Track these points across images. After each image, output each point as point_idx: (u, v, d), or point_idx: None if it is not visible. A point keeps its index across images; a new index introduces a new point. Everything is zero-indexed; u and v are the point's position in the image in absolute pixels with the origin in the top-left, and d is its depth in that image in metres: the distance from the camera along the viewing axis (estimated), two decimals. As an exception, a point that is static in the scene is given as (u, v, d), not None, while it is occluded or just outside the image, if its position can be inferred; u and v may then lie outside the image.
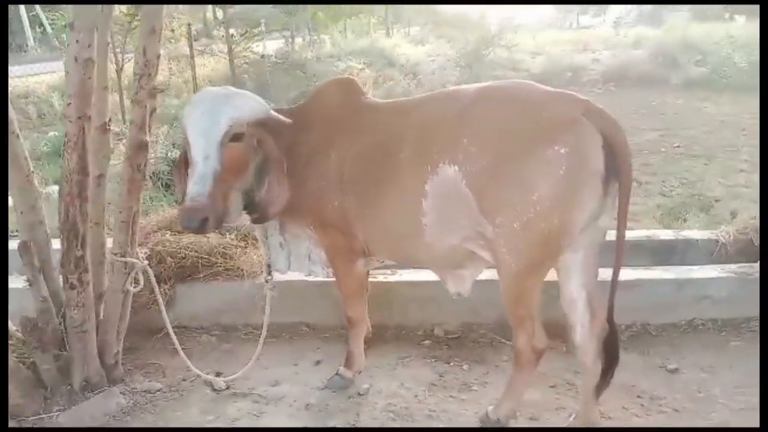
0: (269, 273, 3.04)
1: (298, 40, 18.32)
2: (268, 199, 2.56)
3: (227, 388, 3.12)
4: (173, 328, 3.62)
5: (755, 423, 2.72)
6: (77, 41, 2.34)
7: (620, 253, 2.38)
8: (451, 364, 3.29)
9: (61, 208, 2.57)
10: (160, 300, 2.99)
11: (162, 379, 3.21)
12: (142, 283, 2.94)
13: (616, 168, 2.25)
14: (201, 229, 2.35)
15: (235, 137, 2.42)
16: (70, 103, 2.41)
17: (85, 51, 2.38)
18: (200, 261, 3.67)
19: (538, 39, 19.05)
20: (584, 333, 2.50)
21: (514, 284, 2.44)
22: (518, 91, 2.46)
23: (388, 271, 3.73)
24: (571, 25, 32.05)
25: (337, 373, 3.11)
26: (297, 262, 3.03)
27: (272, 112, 2.59)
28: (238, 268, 3.71)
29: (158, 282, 3.60)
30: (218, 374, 3.21)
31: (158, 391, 3.08)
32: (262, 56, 12.63)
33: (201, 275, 3.66)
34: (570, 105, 2.30)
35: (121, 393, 2.99)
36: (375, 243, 2.78)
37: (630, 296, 3.56)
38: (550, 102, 2.33)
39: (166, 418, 2.90)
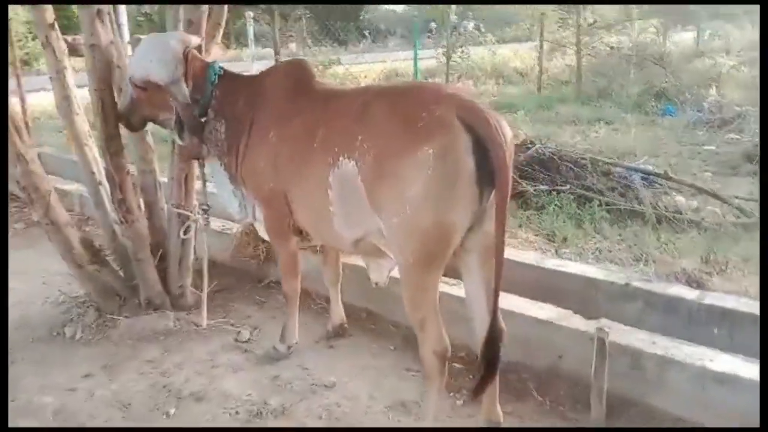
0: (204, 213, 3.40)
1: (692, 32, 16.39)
2: (186, 146, 3.08)
3: (247, 341, 3.49)
4: (272, 282, 4.18)
5: None
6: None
7: (500, 254, 2.31)
8: (452, 393, 2.99)
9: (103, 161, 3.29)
10: (205, 249, 3.48)
11: (218, 318, 3.71)
12: (193, 232, 3.50)
13: (492, 170, 2.23)
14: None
15: (139, 85, 2.95)
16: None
17: (90, 38, 3.01)
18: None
19: None
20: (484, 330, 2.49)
21: (406, 280, 2.49)
22: (409, 91, 2.57)
23: (454, 282, 3.49)
24: None
25: (273, 346, 3.30)
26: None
27: (181, 82, 2.89)
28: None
29: (261, 241, 4.18)
30: (255, 328, 3.61)
31: (199, 326, 3.62)
32: (611, 48, 11.87)
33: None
34: (446, 106, 2.31)
35: (176, 318, 3.64)
36: (303, 225, 2.93)
37: (726, 394, 2.63)
38: (429, 103, 2.35)
39: (179, 348, 3.41)
